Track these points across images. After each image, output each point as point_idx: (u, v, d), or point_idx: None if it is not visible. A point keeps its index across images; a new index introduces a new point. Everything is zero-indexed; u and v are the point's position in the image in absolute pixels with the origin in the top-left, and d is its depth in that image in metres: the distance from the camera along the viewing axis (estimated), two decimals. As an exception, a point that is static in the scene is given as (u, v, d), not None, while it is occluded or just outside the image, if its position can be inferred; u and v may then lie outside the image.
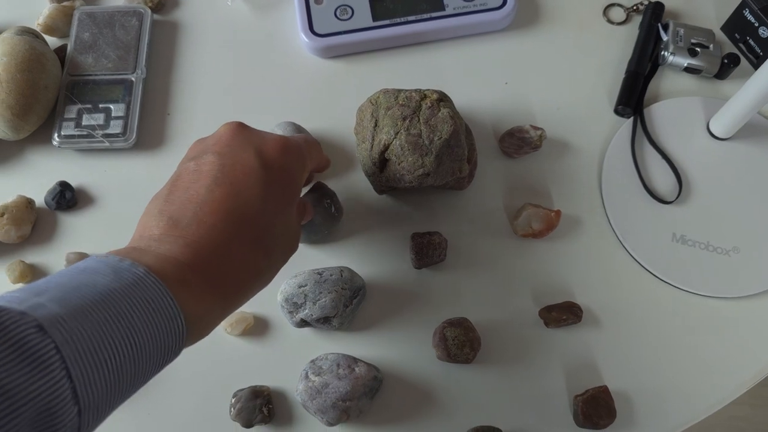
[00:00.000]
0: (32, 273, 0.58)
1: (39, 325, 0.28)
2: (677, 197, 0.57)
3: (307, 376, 0.52)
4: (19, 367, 0.27)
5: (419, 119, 0.52)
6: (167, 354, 0.34)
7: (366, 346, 0.55)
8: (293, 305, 0.53)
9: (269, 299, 0.56)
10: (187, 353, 0.54)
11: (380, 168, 0.53)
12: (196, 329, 0.36)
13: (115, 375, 0.31)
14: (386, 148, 0.52)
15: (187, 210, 0.39)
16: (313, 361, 0.53)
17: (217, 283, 0.38)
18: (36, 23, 0.66)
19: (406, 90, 0.54)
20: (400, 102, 0.53)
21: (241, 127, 0.43)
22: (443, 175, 0.53)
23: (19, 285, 0.58)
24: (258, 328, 0.56)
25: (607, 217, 0.57)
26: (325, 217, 0.56)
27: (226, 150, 0.41)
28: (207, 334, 0.38)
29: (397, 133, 0.52)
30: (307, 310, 0.53)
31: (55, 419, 0.28)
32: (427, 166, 0.51)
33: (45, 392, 0.27)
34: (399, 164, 0.52)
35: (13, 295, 0.30)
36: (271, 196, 0.41)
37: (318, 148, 0.50)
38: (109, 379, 0.30)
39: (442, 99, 0.53)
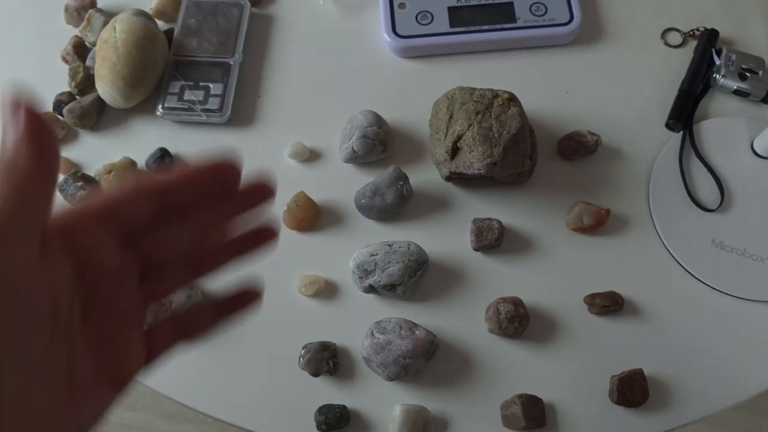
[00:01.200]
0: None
1: None
2: (719, 206, 0.62)
3: (372, 334, 0.58)
4: None
5: (491, 114, 0.58)
6: None
7: (425, 315, 0.61)
8: (363, 271, 0.59)
9: (341, 266, 0.62)
10: (263, 306, 0.61)
11: (452, 155, 0.60)
12: None
13: None
14: (459, 138, 0.59)
15: None
16: (377, 323, 0.59)
17: None
18: (149, 7, 0.74)
19: (480, 89, 0.60)
20: (475, 99, 0.59)
21: None
22: (508, 167, 0.59)
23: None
24: (328, 291, 0.62)
25: (653, 220, 0.63)
26: (397, 197, 0.62)
27: None
28: None
29: (470, 125, 0.58)
30: (376, 277, 0.59)
31: None
32: (495, 156, 0.57)
33: None
34: (470, 153, 0.58)
35: None
36: None
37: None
38: None
39: (512, 99, 0.59)
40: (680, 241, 0.62)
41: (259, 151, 0.68)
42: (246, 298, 0.34)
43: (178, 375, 0.60)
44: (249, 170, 0.67)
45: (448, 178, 0.63)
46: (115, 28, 0.68)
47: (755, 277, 0.60)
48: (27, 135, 0.24)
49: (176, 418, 1.39)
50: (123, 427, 1.39)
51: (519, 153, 0.59)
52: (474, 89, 0.60)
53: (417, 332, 0.57)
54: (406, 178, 0.62)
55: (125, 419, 1.40)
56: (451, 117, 0.60)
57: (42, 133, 0.25)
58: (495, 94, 0.60)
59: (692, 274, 0.61)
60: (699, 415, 0.57)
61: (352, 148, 0.64)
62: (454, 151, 0.60)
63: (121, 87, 0.67)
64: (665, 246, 0.62)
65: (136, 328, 0.30)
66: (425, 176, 0.66)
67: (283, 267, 0.63)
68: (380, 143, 0.64)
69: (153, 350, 0.31)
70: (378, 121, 0.65)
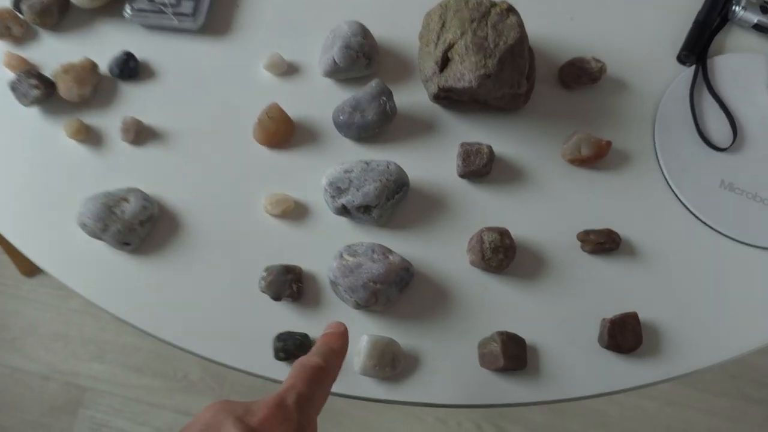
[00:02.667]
0: (87, 131, 0.60)
1: None
2: (731, 145, 0.57)
3: (341, 256, 0.52)
4: None
5: (487, 23, 0.52)
6: None
7: (401, 243, 0.55)
8: (336, 190, 0.54)
9: (313, 187, 0.57)
10: (224, 224, 0.55)
11: (441, 67, 0.54)
12: None
13: None
14: (450, 47, 0.53)
15: None
16: (348, 246, 0.53)
17: None
18: None
19: (477, -3, 0.54)
20: (470, 6, 0.54)
21: (222, 403, 0.37)
22: (502, 83, 0.53)
23: (73, 141, 0.59)
24: (297, 212, 0.56)
25: (657, 157, 0.57)
26: (378, 114, 0.56)
27: (205, 427, 0.36)
28: None
29: (463, 34, 0.52)
30: (349, 196, 0.53)
31: None
32: (489, 67, 0.52)
33: None
34: (461, 63, 0.52)
35: None
36: None
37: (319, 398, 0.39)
38: None
39: (511, 9, 0.54)
40: (686, 180, 0.56)
41: (231, 61, 0.62)
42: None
43: (130, 293, 0.55)
44: (221, 81, 0.62)
45: (437, 97, 0.57)
46: None
47: (765, 222, 0.55)
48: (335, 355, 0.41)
49: (144, 372, 1.34)
50: (90, 379, 1.34)
51: (516, 69, 0.53)
52: (470, -3, 0.55)
53: (391, 257, 0.52)
54: (390, 93, 0.57)
55: (93, 371, 1.34)
56: (443, 26, 0.54)
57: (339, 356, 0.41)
58: (493, 3, 0.54)
59: (696, 216, 0.55)
60: (691, 368, 0.52)
61: (333, 59, 0.58)
62: (444, 62, 0.54)
63: (86, -18, 0.61)
64: (669, 184, 0.57)
65: None
66: (412, 97, 0.60)
67: (250, 183, 0.57)
68: (364, 56, 0.58)
69: None
70: (363, 31, 0.59)
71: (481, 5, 0.54)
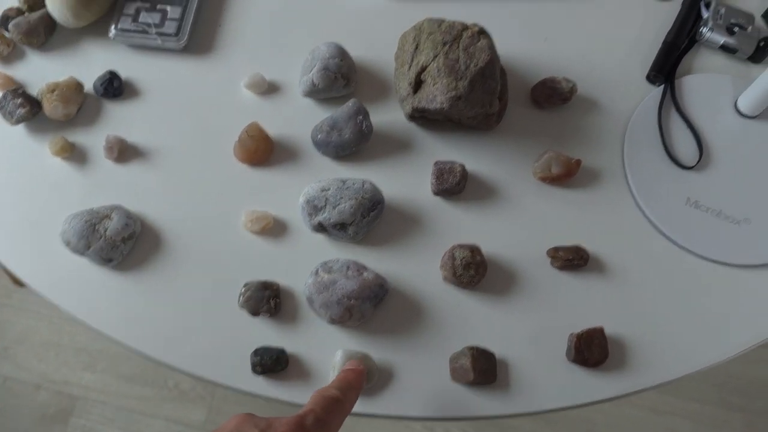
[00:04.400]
0: (71, 149, 0.61)
1: None
2: (697, 164, 0.59)
3: (317, 273, 0.54)
4: None
5: (459, 46, 0.54)
6: None
7: (376, 260, 0.57)
8: (313, 207, 0.55)
9: (291, 204, 0.58)
10: (204, 240, 0.57)
11: (415, 88, 0.56)
12: None
13: None
14: (423, 69, 0.55)
15: None
16: (324, 262, 0.55)
17: None
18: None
19: (450, 20, 0.56)
20: (443, 29, 0.55)
21: (246, 416, 0.40)
22: (473, 104, 0.55)
23: (58, 159, 0.61)
24: (276, 229, 0.58)
25: (626, 175, 0.59)
26: (355, 133, 0.58)
27: None
28: None
29: (435, 56, 0.54)
30: (326, 214, 0.55)
31: None
32: (460, 89, 0.53)
33: None
34: (434, 85, 0.54)
35: None
36: None
37: (341, 411, 0.43)
38: None
39: (483, 32, 0.56)
40: (653, 197, 0.58)
41: (213, 80, 0.64)
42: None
43: (113, 308, 0.56)
44: (203, 100, 0.63)
45: (412, 117, 0.59)
46: (69, -58, 0.64)
47: (729, 239, 0.57)
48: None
49: (135, 381, 1.35)
50: (82, 388, 1.35)
51: (487, 90, 0.55)
52: (443, 20, 0.56)
53: (365, 274, 0.54)
54: (366, 113, 0.58)
55: (84, 380, 1.35)
56: (417, 47, 0.56)
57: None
58: (465, 27, 0.56)
59: (663, 233, 0.57)
60: (656, 381, 0.53)
61: (312, 80, 0.60)
62: (418, 84, 0.56)
63: (72, 4, 0.63)
64: (637, 202, 0.58)
65: None
66: (389, 116, 0.62)
67: (231, 201, 0.59)
68: (342, 77, 0.60)
69: None
70: (341, 53, 0.61)
71: (453, 28, 0.55)
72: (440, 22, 0.56)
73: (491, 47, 0.54)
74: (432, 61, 0.54)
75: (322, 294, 0.53)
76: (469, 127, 0.60)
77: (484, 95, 0.55)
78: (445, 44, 0.54)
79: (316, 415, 0.40)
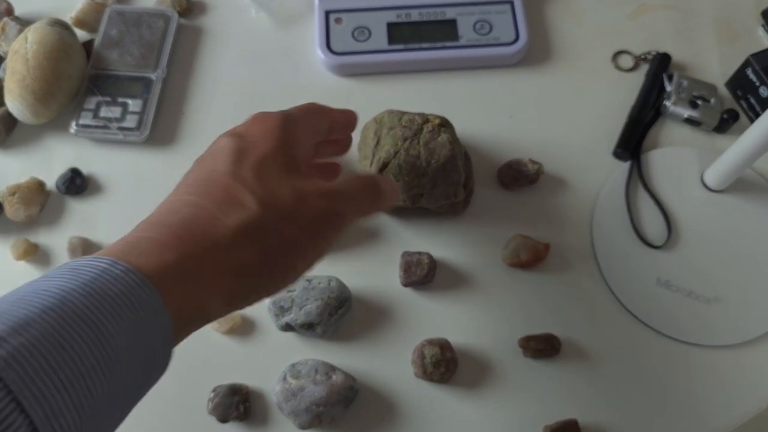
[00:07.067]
0: (35, 252, 0.60)
1: None
2: (665, 243, 0.58)
3: (285, 378, 0.53)
4: None
5: (419, 141, 0.54)
6: (153, 353, 0.30)
7: (346, 356, 0.56)
8: (280, 308, 0.55)
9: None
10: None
11: (378, 184, 0.55)
12: (185, 324, 0.33)
13: (85, 397, 0.25)
14: (385, 165, 0.54)
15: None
16: (293, 365, 0.54)
17: (202, 276, 0.33)
18: (69, 16, 0.69)
19: (411, 113, 0.56)
20: (403, 123, 0.55)
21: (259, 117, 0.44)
22: (437, 198, 0.55)
23: (22, 262, 0.60)
24: (244, 327, 0.57)
25: (595, 256, 0.59)
26: (320, 227, 0.57)
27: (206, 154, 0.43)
28: (201, 326, 0.35)
29: (396, 153, 0.54)
30: (292, 315, 0.54)
31: None
32: (422, 186, 0.53)
33: None
34: (396, 181, 0.53)
35: None
36: (240, 158, 0.39)
37: (318, 114, 0.46)
38: (78, 403, 0.24)
39: (444, 125, 0.55)
40: (623, 279, 0.58)
41: (178, 172, 0.63)
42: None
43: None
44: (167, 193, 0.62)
45: (377, 208, 0.58)
46: (27, 38, 0.63)
47: (701, 320, 0.56)
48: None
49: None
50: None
51: (450, 183, 0.55)
52: (404, 113, 0.56)
53: (334, 377, 0.53)
54: (331, 206, 0.58)
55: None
56: (378, 143, 0.55)
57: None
58: (426, 119, 0.55)
59: (635, 315, 0.57)
60: (635, 472, 0.53)
61: (275, 173, 0.59)
62: (380, 180, 0.55)
63: (31, 102, 0.62)
64: (607, 284, 0.58)
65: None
66: (355, 204, 0.61)
67: (196, 301, 0.58)
68: (306, 168, 0.59)
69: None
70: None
71: (413, 122, 0.55)
72: (401, 116, 0.56)
73: (452, 141, 0.54)
74: (393, 157, 0.54)
75: (290, 402, 0.52)
76: (438, 213, 0.59)
77: (447, 188, 0.55)
78: (405, 140, 0.54)
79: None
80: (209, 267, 0.34)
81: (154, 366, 0.31)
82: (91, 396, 0.25)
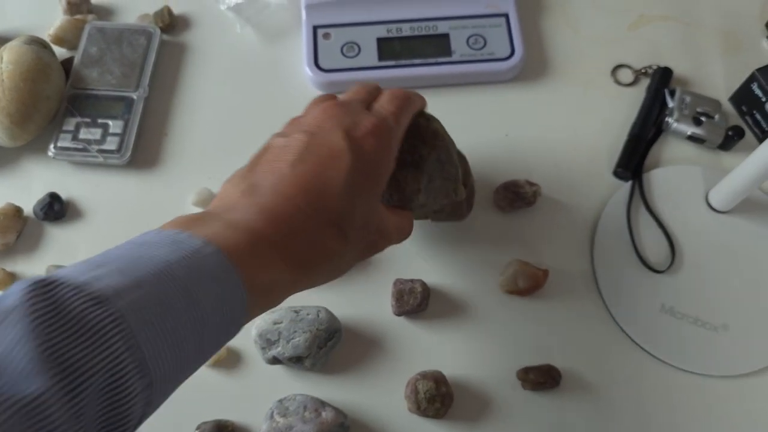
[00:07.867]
0: (12, 281, 0.58)
1: (98, 297, 0.28)
2: (669, 267, 0.56)
3: (272, 416, 0.50)
4: (80, 341, 0.27)
5: (409, 133, 0.50)
6: (230, 324, 0.34)
7: (337, 390, 0.53)
8: (266, 341, 0.52)
9: (244, 333, 0.54)
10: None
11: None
12: (262, 299, 0.36)
13: (180, 346, 0.30)
14: None
15: (266, 180, 0.38)
16: (280, 401, 0.52)
17: (286, 255, 0.37)
18: (47, 33, 0.66)
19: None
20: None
21: (334, 107, 0.43)
22: (436, 195, 0.50)
23: (-3, 293, 0.57)
24: (230, 360, 0.55)
25: (596, 281, 0.56)
26: (308, 255, 0.55)
27: (315, 130, 0.41)
28: (275, 304, 0.38)
29: None
30: (279, 348, 0.52)
31: (123, 392, 0.28)
32: (418, 181, 0.48)
33: (109, 365, 0.27)
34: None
35: (74, 269, 0.30)
36: (354, 181, 0.39)
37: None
38: (174, 350, 0.30)
39: (432, 119, 0.52)
40: (625, 305, 0.55)
41: (160, 196, 0.61)
42: None
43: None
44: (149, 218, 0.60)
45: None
46: (2, 58, 0.61)
47: (708, 348, 0.54)
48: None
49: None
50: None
51: (447, 177, 0.50)
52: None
53: (324, 414, 0.50)
54: (320, 233, 0.55)
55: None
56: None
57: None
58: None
59: (638, 344, 0.54)
60: (643, 508, 0.50)
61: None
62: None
63: (7, 125, 0.60)
64: (609, 311, 0.55)
65: None
66: (345, 229, 0.58)
67: (180, 333, 0.55)
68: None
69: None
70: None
71: None
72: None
73: (443, 131, 0.51)
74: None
75: (278, 442, 0.49)
76: (440, 220, 0.56)
77: (445, 182, 0.50)
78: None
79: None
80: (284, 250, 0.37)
81: (227, 333, 0.35)
82: (182, 347, 0.30)
